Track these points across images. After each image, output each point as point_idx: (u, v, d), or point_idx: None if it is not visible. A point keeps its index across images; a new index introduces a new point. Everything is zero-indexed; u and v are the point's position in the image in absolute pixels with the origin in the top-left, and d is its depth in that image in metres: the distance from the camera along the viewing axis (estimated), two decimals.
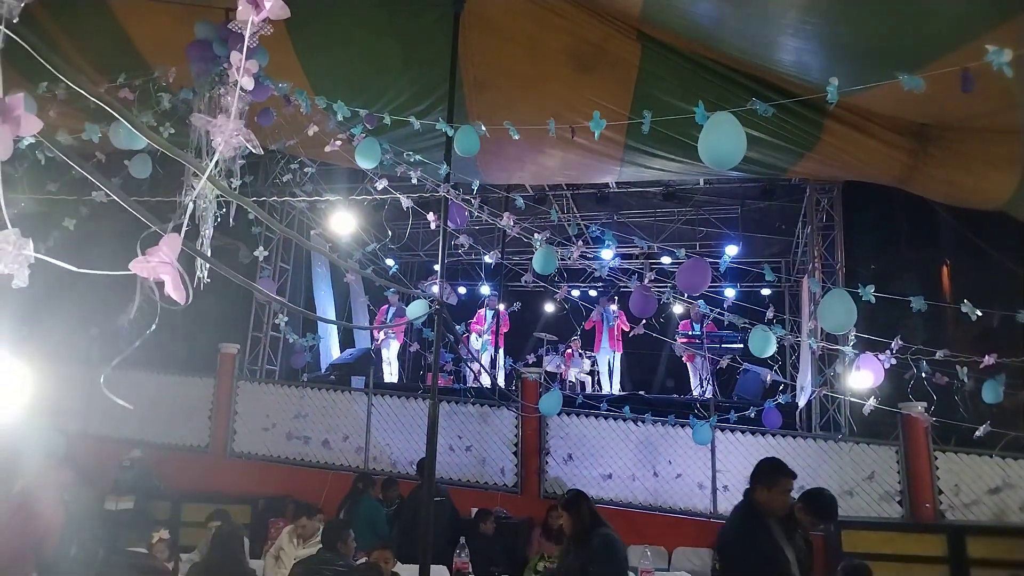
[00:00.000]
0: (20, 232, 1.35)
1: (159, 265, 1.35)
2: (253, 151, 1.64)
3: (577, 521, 4.75)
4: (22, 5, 1.46)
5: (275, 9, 1.60)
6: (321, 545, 5.91)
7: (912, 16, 4.43)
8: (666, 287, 6.05)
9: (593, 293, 13.67)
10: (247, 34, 2.63)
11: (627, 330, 11.47)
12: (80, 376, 9.98)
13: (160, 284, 1.37)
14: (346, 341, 13.44)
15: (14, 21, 1.46)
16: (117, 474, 8.72)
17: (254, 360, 11.44)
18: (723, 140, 2.98)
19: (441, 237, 5.51)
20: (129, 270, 1.35)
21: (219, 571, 4.75)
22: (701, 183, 10.90)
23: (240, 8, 1.58)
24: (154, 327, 1.47)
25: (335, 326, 13.35)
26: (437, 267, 13.94)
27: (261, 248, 7.13)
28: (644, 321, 6.18)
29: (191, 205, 1.66)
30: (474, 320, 12.77)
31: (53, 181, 6.31)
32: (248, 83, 2.78)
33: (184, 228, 1.50)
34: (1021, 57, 3.18)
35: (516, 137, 4.38)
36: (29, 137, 1.53)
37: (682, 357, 11.48)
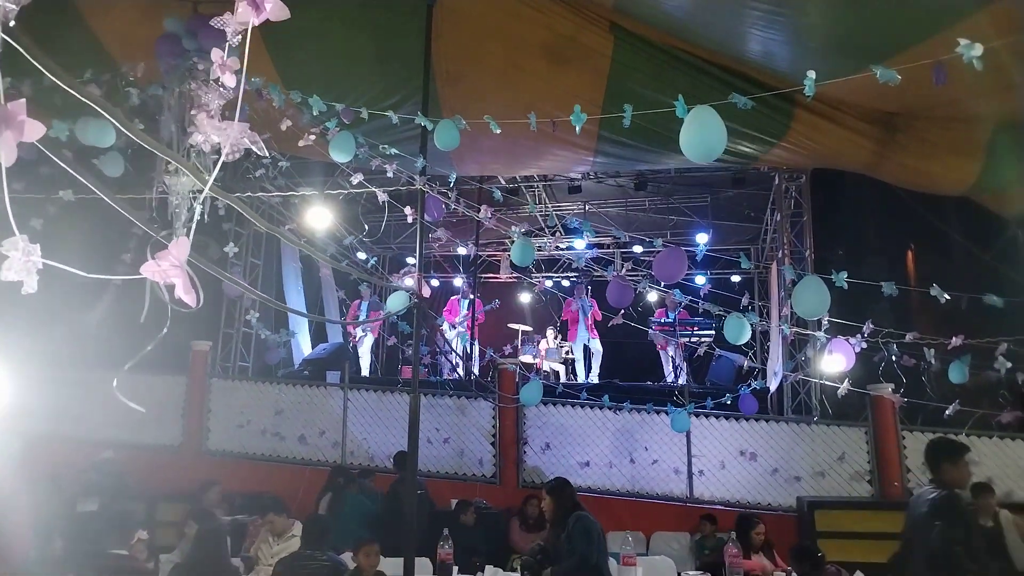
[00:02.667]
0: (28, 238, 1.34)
1: (170, 269, 1.35)
2: (259, 154, 1.64)
3: (558, 506, 4.95)
4: (17, 9, 1.45)
5: (275, 11, 1.60)
6: (298, 539, 5.91)
7: (880, 7, 4.52)
8: (641, 277, 6.13)
9: (566, 283, 13.73)
10: (229, 32, 2.61)
11: (599, 319, 11.56)
12: (47, 377, 9.80)
13: (171, 287, 1.38)
14: (318, 336, 13.35)
15: (10, 24, 1.44)
16: (85, 476, 8.59)
17: (226, 357, 11.32)
18: (704, 134, 3.03)
19: (418, 231, 5.50)
20: (140, 274, 1.35)
21: (202, 570, 4.73)
22: (672, 172, 11.00)
23: (240, 9, 1.58)
24: (165, 331, 1.47)
25: (306, 321, 13.24)
26: (410, 260, 13.96)
27: (232, 244, 7.05)
28: (622, 312, 6.24)
29: (197, 208, 1.64)
30: (447, 309, 12.76)
31: (18, 180, 6.17)
32: (230, 80, 2.76)
33: (188, 230, 1.49)
34: (988, 48, 3.28)
35: (497, 131, 4.40)
36: None
37: (656, 345, 11.60)
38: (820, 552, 5.39)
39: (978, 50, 2.83)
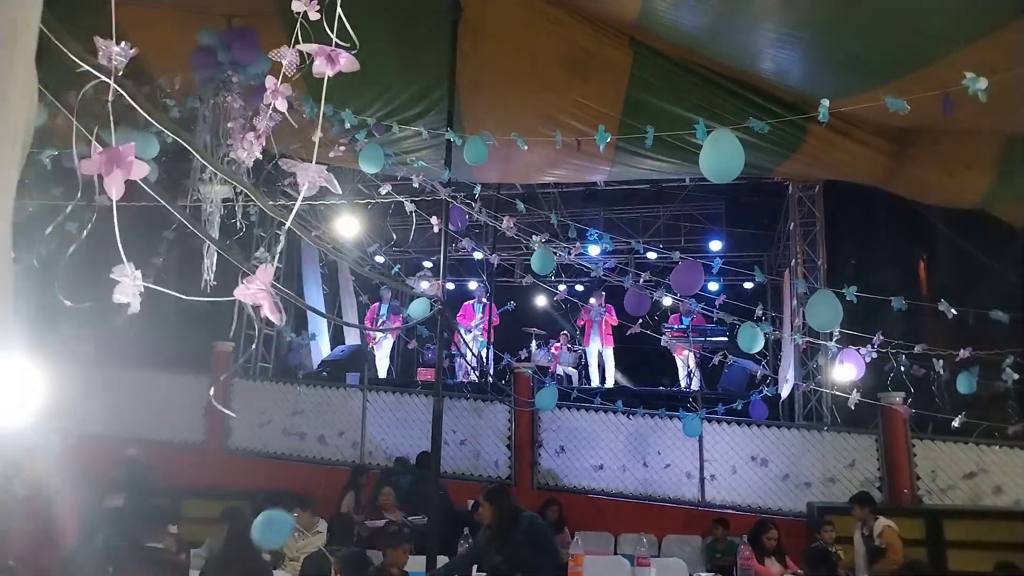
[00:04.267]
0: (133, 265, 1.54)
1: (257, 292, 1.54)
2: (333, 192, 1.83)
3: (499, 511, 4.95)
4: (127, 60, 1.64)
5: (348, 64, 1.78)
6: (323, 535, 6.11)
7: (891, 31, 4.68)
8: (658, 285, 6.30)
9: (580, 288, 13.88)
10: (285, 63, 2.82)
11: (615, 324, 11.68)
12: (74, 375, 10.09)
13: (257, 308, 1.57)
14: (336, 338, 13.59)
15: (119, 73, 1.64)
16: (112, 472, 8.84)
17: (248, 358, 11.55)
18: (723, 156, 3.20)
19: (442, 241, 5.70)
20: (233, 296, 1.54)
21: (236, 564, 4.91)
22: (687, 181, 11.15)
23: (316, 63, 1.77)
24: (253, 348, 1.66)
25: (325, 323, 13.47)
26: (427, 263, 14.16)
27: (263, 249, 7.28)
28: (640, 320, 6.41)
29: (282, 240, 1.80)
30: (460, 313, 12.93)
31: (58, 185, 6.41)
32: (282, 105, 2.97)
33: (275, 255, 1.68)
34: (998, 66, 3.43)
35: (524, 148, 4.59)
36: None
37: (673, 351, 11.73)
38: (836, 555, 5.46)
39: (983, 83, 2.98)
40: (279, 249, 1.88)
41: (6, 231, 1.15)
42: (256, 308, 1.56)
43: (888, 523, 6.47)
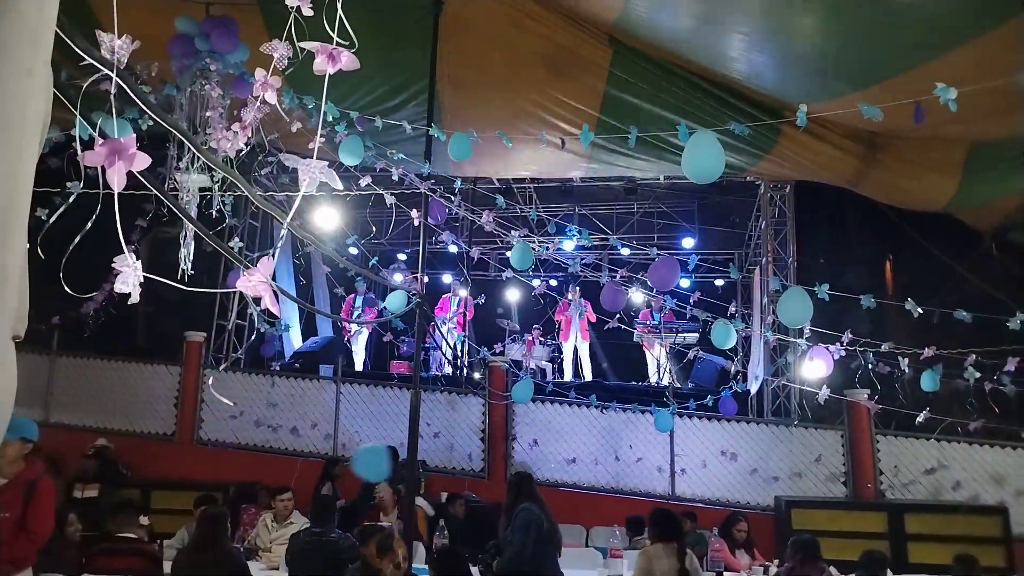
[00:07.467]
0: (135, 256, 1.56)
1: (258, 284, 1.58)
2: (334, 188, 1.86)
3: (508, 497, 5.25)
4: (128, 54, 1.66)
5: (348, 63, 1.81)
6: (296, 526, 6.11)
7: (868, 40, 4.81)
8: (632, 280, 6.39)
9: (554, 283, 13.94)
10: (276, 56, 2.83)
11: (594, 320, 11.77)
12: (39, 365, 9.97)
13: (258, 299, 1.60)
14: (308, 329, 13.50)
15: (122, 67, 1.66)
16: (85, 463, 8.74)
17: (219, 348, 11.46)
18: (705, 157, 3.27)
19: (421, 233, 5.72)
20: (235, 287, 1.57)
21: (206, 552, 4.91)
22: (661, 179, 11.28)
23: (316, 61, 1.80)
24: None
25: (298, 315, 13.37)
26: (400, 256, 14.11)
27: (237, 239, 7.23)
28: (618, 315, 6.50)
29: (284, 233, 1.82)
30: (438, 306, 12.94)
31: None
32: (272, 97, 2.98)
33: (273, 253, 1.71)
34: (969, 76, 3.56)
35: (509, 145, 4.63)
36: None
37: (642, 345, 11.85)
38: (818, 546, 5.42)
39: (953, 93, 3.10)
40: (279, 244, 1.90)
41: (23, 222, 1.17)
42: (256, 300, 1.59)
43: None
